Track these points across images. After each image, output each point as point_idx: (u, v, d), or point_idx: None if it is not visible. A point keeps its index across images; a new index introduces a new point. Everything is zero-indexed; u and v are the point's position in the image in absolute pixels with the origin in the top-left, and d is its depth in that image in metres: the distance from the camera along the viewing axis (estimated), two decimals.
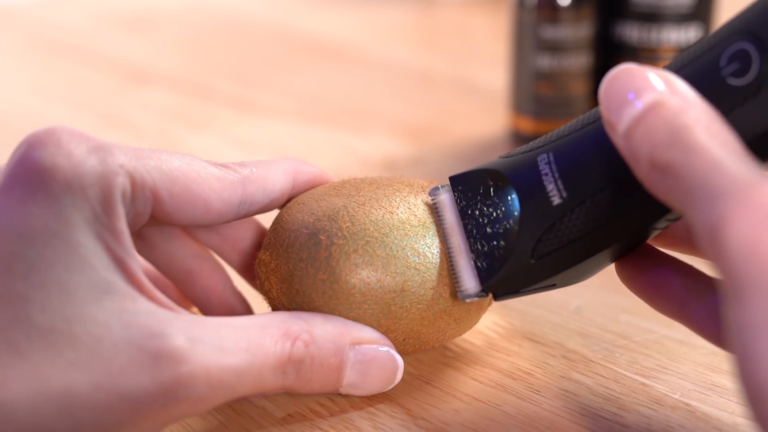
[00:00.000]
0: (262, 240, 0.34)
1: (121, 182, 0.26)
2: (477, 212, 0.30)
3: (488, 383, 0.33)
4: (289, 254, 0.30)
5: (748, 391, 0.21)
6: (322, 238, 0.30)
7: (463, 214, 0.30)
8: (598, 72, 0.57)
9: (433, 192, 0.31)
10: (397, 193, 0.31)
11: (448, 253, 0.30)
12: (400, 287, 0.30)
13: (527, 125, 0.57)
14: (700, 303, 0.28)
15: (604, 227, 0.28)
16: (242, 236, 0.35)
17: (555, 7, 0.54)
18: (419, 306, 0.30)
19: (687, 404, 0.31)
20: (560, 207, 0.28)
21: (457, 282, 0.30)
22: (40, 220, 0.25)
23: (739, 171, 0.22)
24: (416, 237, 0.30)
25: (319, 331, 0.29)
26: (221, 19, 1.01)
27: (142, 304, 0.26)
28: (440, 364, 0.34)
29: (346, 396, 0.32)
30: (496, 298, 0.30)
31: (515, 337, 0.36)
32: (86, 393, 0.24)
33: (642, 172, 0.25)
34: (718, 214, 0.22)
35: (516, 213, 0.29)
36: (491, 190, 0.30)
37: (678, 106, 0.24)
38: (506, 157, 0.30)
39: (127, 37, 0.92)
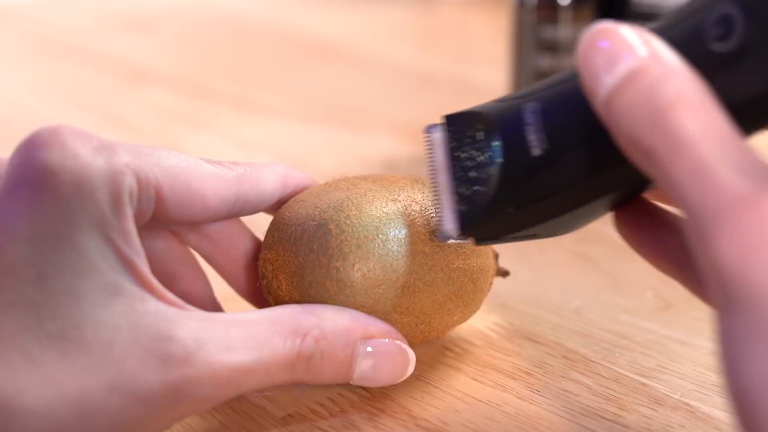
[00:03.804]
0: (254, 248, 0.35)
1: (129, 182, 0.26)
2: (465, 155, 0.29)
3: (488, 383, 0.33)
4: (298, 247, 0.30)
5: (733, 396, 0.21)
6: (332, 227, 0.30)
7: (452, 156, 0.30)
8: None
9: (429, 129, 0.30)
10: (394, 184, 0.32)
11: (433, 192, 0.30)
12: (412, 270, 0.30)
13: None
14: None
15: (583, 183, 0.27)
16: (234, 243, 0.34)
17: (555, 7, 0.54)
18: (431, 288, 0.31)
19: (687, 404, 0.31)
20: (540, 158, 0.27)
21: (438, 223, 0.30)
22: (49, 225, 0.25)
23: (728, 179, 0.21)
24: (422, 219, 0.31)
25: (330, 326, 0.29)
26: (221, 19, 1.01)
27: (151, 304, 0.26)
28: (440, 364, 0.34)
29: (346, 396, 0.32)
30: (477, 242, 0.30)
31: (515, 337, 0.36)
32: (101, 396, 0.24)
33: (624, 146, 0.23)
34: (706, 226, 0.21)
35: (499, 160, 0.28)
36: (479, 133, 0.29)
37: (659, 75, 0.22)
38: (501, 101, 0.30)
39: (127, 37, 0.92)
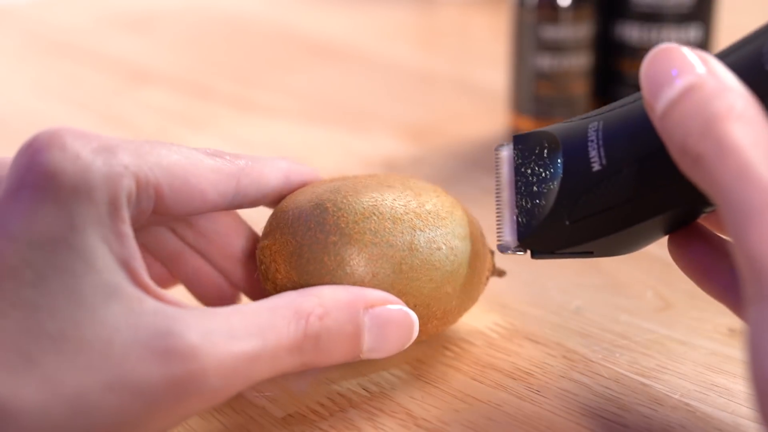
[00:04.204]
0: (251, 245, 0.35)
1: (127, 184, 0.27)
2: (529, 171, 0.31)
3: (488, 383, 0.33)
4: (296, 228, 0.31)
5: (756, 385, 0.22)
6: (329, 206, 0.31)
7: (517, 172, 0.31)
8: (598, 72, 0.57)
9: (498, 148, 0.32)
10: (390, 178, 0.33)
11: (497, 206, 0.32)
12: (408, 246, 0.31)
13: (527, 125, 0.57)
14: None
15: (637, 200, 0.28)
16: (230, 242, 0.35)
17: (555, 7, 0.54)
18: (428, 266, 0.31)
19: (687, 404, 0.31)
20: (599, 173, 0.29)
21: (498, 234, 0.31)
22: (48, 227, 0.25)
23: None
24: (417, 202, 0.32)
25: (331, 303, 0.29)
26: (221, 19, 1.01)
27: (149, 304, 0.26)
28: (440, 364, 0.34)
29: (346, 396, 0.32)
30: (533, 255, 0.31)
31: (515, 337, 0.36)
32: (98, 394, 0.24)
33: (675, 155, 0.25)
34: (746, 221, 0.23)
35: (559, 175, 0.30)
36: (544, 151, 0.31)
37: (713, 90, 0.24)
38: (568, 121, 0.31)
39: (127, 37, 0.92)
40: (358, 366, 0.34)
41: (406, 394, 0.32)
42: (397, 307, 0.30)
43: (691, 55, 0.25)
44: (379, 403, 0.32)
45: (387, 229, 0.31)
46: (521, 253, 0.31)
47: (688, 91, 0.24)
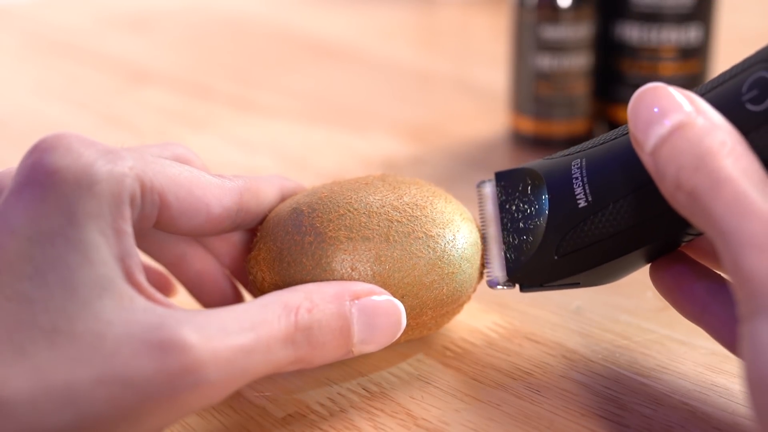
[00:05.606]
0: (251, 238, 0.36)
1: (130, 184, 0.27)
2: (514, 207, 0.32)
3: (488, 383, 0.33)
4: (276, 234, 0.32)
5: (754, 387, 0.23)
6: (304, 208, 0.32)
7: (502, 208, 0.32)
8: (598, 72, 0.57)
9: (480, 185, 0.33)
10: (370, 177, 0.34)
11: (484, 242, 0.33)
12: (384, 238, 0.31)
13: (527, 125, 0.57)
14: (720, 309, 0.29)
15: (624, 233, 0.29)
16: (239, 239, 0.36)
17: (555, 7, 0.54)
18: (408, 256, 0.31)
19: (687, 404, 0.31)
20: (585, 210, 0.30)
21: (487, 269, 0.32)
22: (48, 221, 0.25)
23: (762, 206, 0.24)
24: (394, 196, 0.32)
25: (318, 296, 0.29)
26: (221, 19, 1.01)
27: (139, 302, 0.26)
28: (440, 364, 0.34)
29: (346, 396, 0.32)
30: (522, 289, 0.32)
31: (515, 337, 0.36)
32: (87, 386, 0.24)
33: (667, 191, 0.26)
34: (741, 246, 0.24)
35: (545, 212, 0.31)
36: (528, 188, 0.32)
37: (704, 128, 0.25)
38: (549, 158, 0.32)
39: (127, 37, 0.93)
40: (358, 366, 0.34)
41: (406, 394, 0.32)
42: (382, 297, 0.30)
43: (677, 94, 0.26)
44: (379, 403, 0.32)
45: (362, 224, 0.31)
46: (510, 287, 0.32)
47: (678, 129, 0.26)
